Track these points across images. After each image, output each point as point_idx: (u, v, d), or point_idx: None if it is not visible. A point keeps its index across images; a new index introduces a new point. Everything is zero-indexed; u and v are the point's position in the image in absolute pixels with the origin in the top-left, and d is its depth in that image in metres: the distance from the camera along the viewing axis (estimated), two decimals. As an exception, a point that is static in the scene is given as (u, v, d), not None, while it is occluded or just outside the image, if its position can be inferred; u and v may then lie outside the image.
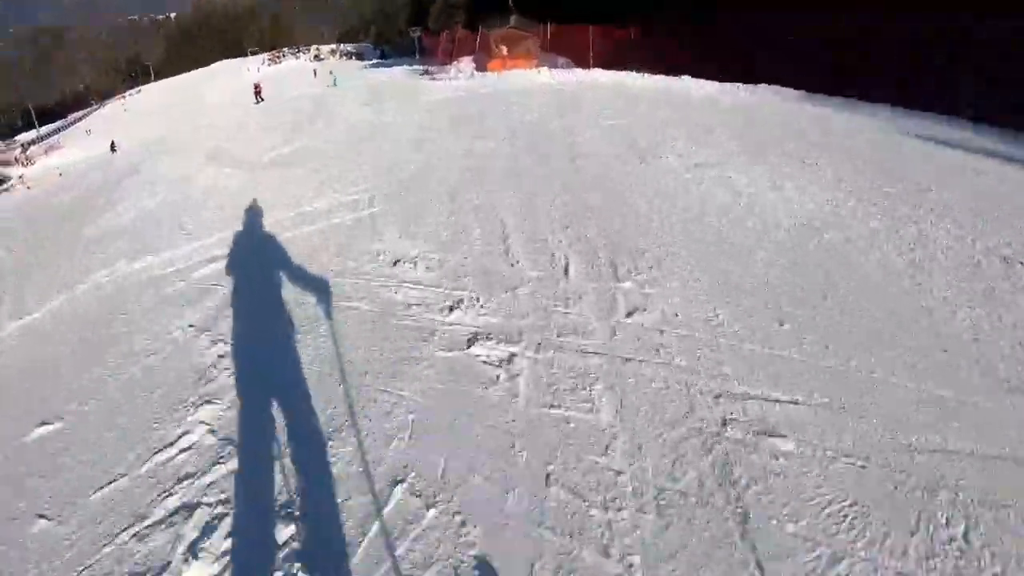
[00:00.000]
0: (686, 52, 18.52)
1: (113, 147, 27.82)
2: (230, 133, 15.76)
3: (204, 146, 13.76)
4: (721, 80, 14.40)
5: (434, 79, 22.21)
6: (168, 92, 62.07)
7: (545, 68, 18.70)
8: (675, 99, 12.81)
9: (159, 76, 79.18)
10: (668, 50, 18.93)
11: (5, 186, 44.44)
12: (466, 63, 22.79)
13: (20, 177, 43.92)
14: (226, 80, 58.46)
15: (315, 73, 43.98)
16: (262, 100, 28.10)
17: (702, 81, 14.76)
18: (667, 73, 16.53)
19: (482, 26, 24.22)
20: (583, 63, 19.65)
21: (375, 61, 48.17)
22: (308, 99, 23.20)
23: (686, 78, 15.16)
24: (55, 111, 65.08)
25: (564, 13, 24.06)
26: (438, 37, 31.80)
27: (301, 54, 77.35)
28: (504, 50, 21.89)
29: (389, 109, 15.13)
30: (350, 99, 20.55)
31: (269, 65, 71.09)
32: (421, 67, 26.81)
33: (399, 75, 27.92)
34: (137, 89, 70.51)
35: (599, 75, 16.59)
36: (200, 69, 76.70)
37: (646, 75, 15.89)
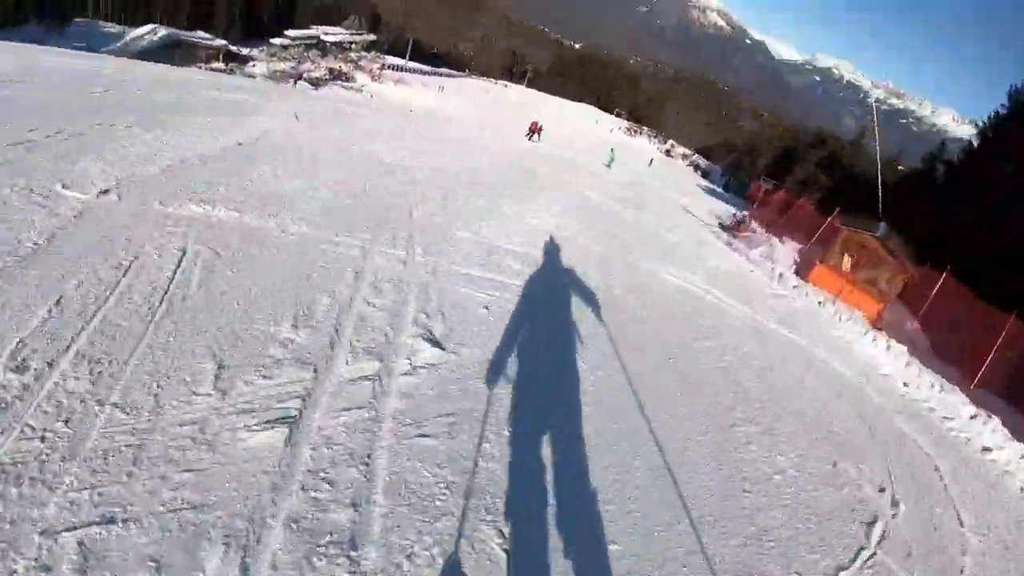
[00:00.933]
0: None
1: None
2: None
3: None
4: None
5: (731, 242, 15.37)
6: (523, 99, 65.75)
7: (885, 337, 10.35)
8: None
9: (531, 83, 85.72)
10: None
11: (350, 84, 50.42)
12: (786, 253, 15.33)
13: (363, 87, 49.25)
14: (578, 122, 59.16)
15: (651, 163, 41.76)
16: (537, 140, 25.99)
17: None
18: None
19: (838, 211, 16.42)
20: (961, 365, 10.83)
21: (715, 188, 43.02)
22: (563, 166, 18.64)
23: None
24: (430, 54, 73.63)
25: (964, 260, 15.16)
26: (782, 195, 24.30)
27: (658, 140, 76.66)
28: (847, 263, 13.92)
29: (617, 257, 8.90)
30: (589, 185, 15.06)
31: (625, 133, 71.45)
32: (738, 216, 20.10)
33: (702, 209, 21.77)
34: (505, 83, 76.88)
35: (991, 431, 7.89)
36: (567, 100, 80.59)
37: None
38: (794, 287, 11.99)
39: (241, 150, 7.63)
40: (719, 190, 42.43)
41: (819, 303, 11.43)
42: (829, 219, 16.11)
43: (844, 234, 14.21)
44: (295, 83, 41.82)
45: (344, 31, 67.20)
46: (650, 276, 8.59)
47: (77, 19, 58.90)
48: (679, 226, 15.21)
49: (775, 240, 16.30)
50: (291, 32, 64.22)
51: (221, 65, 49.60)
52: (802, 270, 13.76)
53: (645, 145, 67.54)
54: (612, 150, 27.81)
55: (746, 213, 20.31)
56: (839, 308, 11.36)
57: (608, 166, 23.97)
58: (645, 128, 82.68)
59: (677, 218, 16.72)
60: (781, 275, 12.47)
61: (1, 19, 47.74)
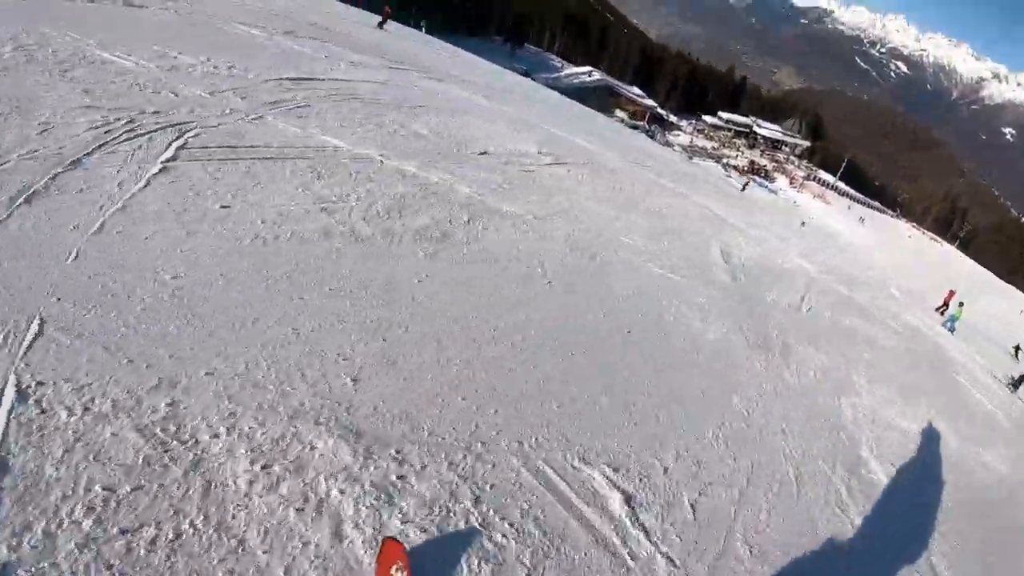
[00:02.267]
0: None
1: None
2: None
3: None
4: None
5: None
6: (947, 262, 56.83)
7: None
8: None
9: (964, 246, 74.99)
10: None
11: (769, 184, 51.22)
12: None
13: (779, 191, 49.78)
14: (1006, 308, 48.66)
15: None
16: (943, 316, 21.09)
17: None
18: None
19: None
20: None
21: None
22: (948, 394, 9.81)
23: None
24: (865, 182, 68.66)
25: None
26: None
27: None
28: None
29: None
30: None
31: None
32: None
33: None
34: (934, 237, 68.87)
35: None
36: (995, 277, 68.74)
37: None
38: None
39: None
40: None
41: None
42: None
43: None
44: (744, 188, 38.67)
45: (780, 129, 66.65)
46: None
47: (529, 45, 68.11)
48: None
49: None
50: (724, 114, 65.41)
51: (635, 121, 54.41)
52: None
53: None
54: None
55: None
56: None
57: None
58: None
59: None
60: None
61: (459, 28, 57.09)
